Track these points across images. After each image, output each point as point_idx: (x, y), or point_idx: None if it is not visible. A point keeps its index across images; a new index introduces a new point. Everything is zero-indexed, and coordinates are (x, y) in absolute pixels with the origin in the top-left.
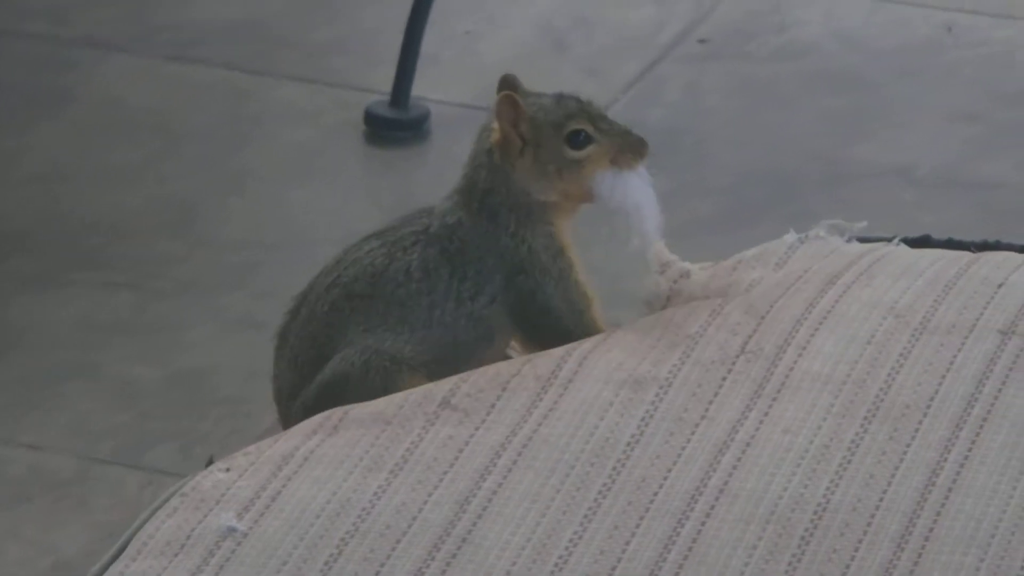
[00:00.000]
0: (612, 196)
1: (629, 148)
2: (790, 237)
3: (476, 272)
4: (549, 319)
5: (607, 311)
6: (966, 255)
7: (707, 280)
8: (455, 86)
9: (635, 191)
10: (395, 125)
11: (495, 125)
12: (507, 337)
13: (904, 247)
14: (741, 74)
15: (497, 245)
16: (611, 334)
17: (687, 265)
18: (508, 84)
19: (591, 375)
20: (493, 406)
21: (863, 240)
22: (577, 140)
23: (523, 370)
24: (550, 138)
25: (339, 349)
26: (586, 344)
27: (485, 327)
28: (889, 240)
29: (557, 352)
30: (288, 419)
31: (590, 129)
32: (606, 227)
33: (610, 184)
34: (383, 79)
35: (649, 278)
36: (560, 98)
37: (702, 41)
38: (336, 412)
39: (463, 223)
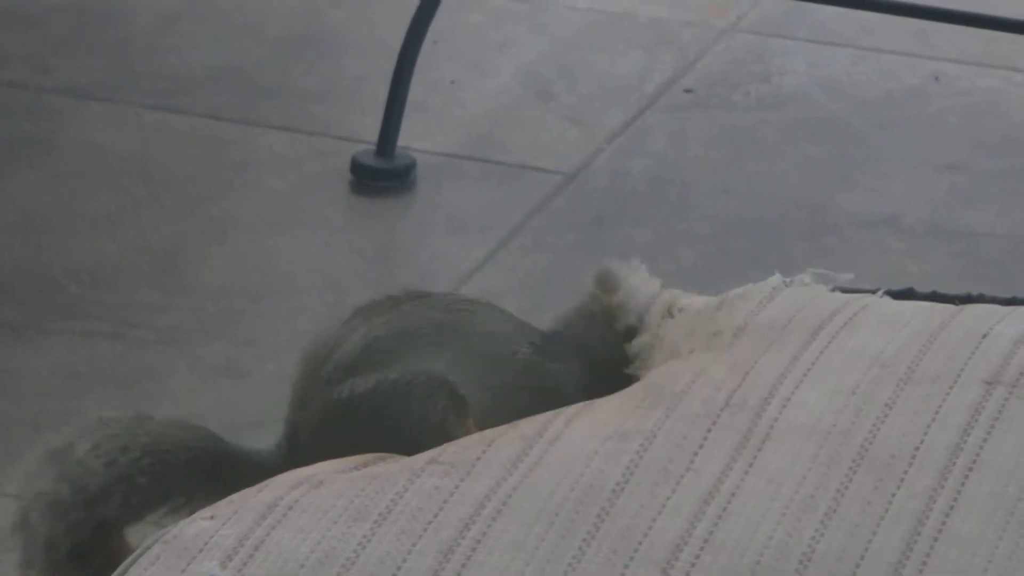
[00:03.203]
0: None
1: None
2: (775, 280)
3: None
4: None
5: None
6: (950, 307)
7: (690, 327)
8: (441, 135)
9: None
10: (381, 175)
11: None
12: None
13: (888, 298)
14: (726, 123)
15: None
16: (597, 400)
17: (675, 298)
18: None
19: (577, 432)
20: (479, 459)
21: (847, 291)
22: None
23: (509, 432)
24: None
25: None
26: (572, 408)
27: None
28: (873, 292)
29: (543, 416)
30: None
31: None
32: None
33: None
34: (366, 127)
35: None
36: None
37: (687, 91)
38: (323, 467)
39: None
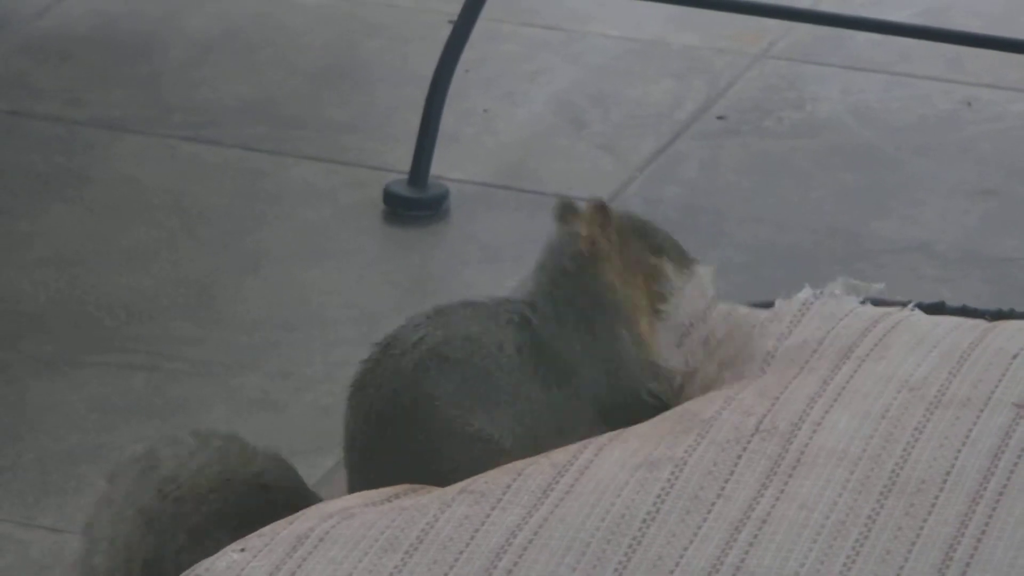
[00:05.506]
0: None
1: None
2: (804, 294)
3: (564, 368)
4: (643, 406)
5: None
6: (981, 324)
7: (722, 358)
8: (473, 165)
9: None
10: (414, 204)
11: (583, 232)
12: (584, 429)
13: (919, 313)
14: (759, 150)
15: (590, 347)
16: (627, 428)
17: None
18: (567, 206)
19: (607, 460)
20: (509, 487)
21: (877, 303)
22: (657, 247)
23: (540, 460)
24: (635, 244)
25: (424, 410)
26: (603, 437)
27: (564, 416)
28: (904, 305)
29: (574, 445)
30: (358, 469)
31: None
32: None
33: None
34: (398, 158)
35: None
36: (633, 214)
37: (720, 118)
38: (353, 499)
39: (554, 326)
